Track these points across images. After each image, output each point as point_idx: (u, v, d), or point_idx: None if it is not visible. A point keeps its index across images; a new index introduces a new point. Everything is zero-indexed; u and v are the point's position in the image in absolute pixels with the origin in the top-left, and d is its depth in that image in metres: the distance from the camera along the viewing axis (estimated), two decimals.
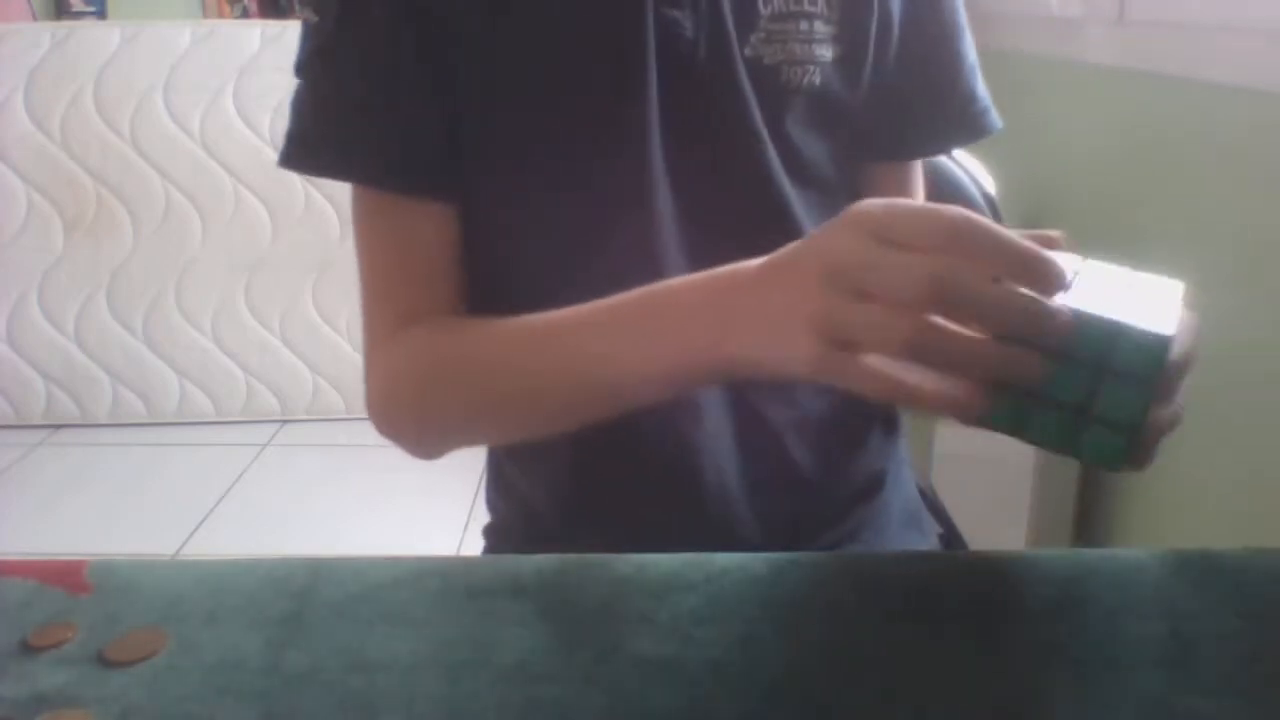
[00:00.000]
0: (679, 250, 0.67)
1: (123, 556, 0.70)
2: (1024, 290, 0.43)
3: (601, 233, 0.67)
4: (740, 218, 0.67)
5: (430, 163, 0.64)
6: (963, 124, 0.73)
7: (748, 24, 0.65)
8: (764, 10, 0.65)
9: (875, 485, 0.78)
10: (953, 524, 0.87)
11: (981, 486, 1.51)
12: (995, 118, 0.73)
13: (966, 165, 0.94)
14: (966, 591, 0.50)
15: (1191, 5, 1.34)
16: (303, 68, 0.65)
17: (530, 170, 0.67)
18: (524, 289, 0.66)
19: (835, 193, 0.70)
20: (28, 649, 0.45)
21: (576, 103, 0.65)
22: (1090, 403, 0.43)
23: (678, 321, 0.53)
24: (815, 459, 0.73)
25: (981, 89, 0.73)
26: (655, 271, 0.63)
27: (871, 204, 0.45)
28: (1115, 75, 1.44)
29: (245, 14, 3.42)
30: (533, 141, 0.66)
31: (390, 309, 0.66)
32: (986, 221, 0.43)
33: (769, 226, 0.65)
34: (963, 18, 0.71)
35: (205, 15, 3.38)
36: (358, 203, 0.67)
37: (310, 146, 0.65)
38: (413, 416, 0.66)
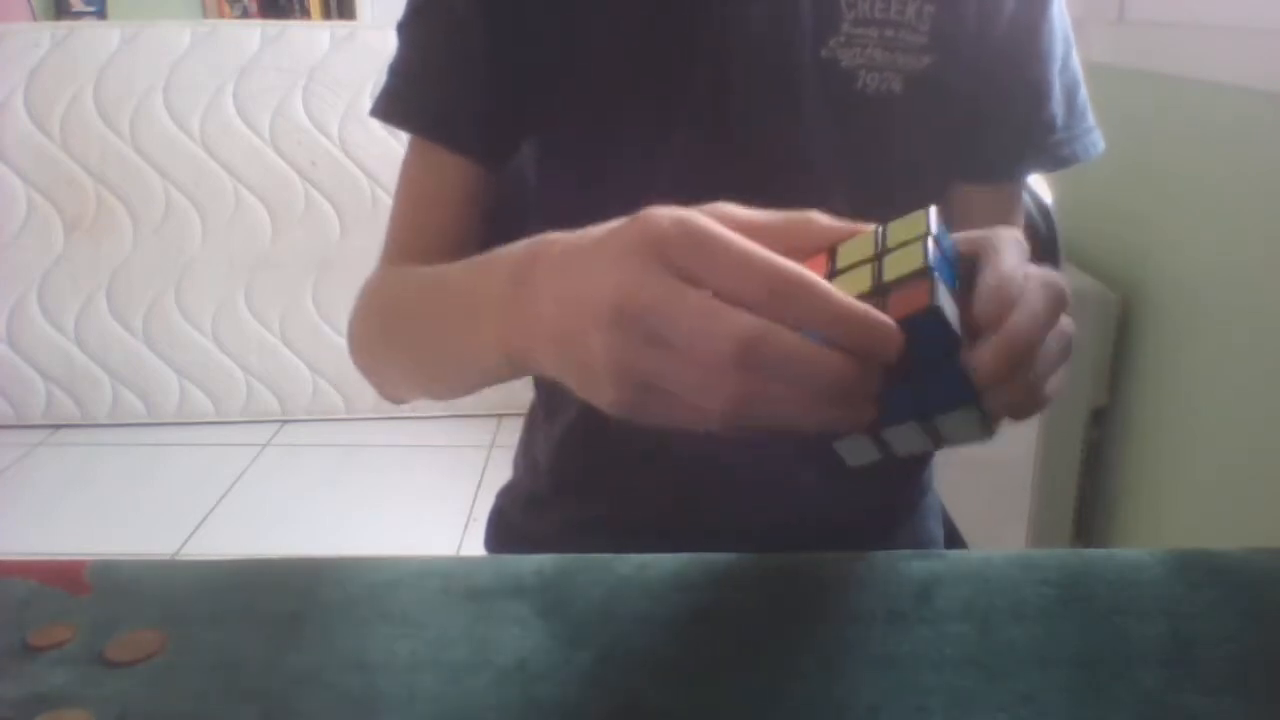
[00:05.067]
0: None
1: (123, 556, 0.70)
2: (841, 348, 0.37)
3: None
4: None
5: (475, 125, 0.69)
6: (1040, 151, 0.71)
7: (829, 26, 0.65)
8: (847, 14, 0.65)
9: (887, 519, 0.78)
10: (953, 524, 0.87)
11: (981, 486, 1.51)
12: (1083, 147, 0.72)
13: None
14: (966, 591, 0.50)
15: (1191, 5, 1.34)
16: (399, 30, 0.71)
17: (569, 163, 0.71)
18: None
19: (904, 202, 0.71)
20: (28, 649, 0.45)
21: (627, 99, 0.68)
22: (925, 402, 0.41)
23: (484, 312, 0.48)
24: (814, 476, 0.74)
25: (1069, 119, 0.71)
26: None
27: (670, 223, 0.38)
28: (1115, 75, 1.44)
29: (245, 14, 3.43)
30: (590, 131, 0.69)
31: (389, 243, 0.71)
32: (807, 277, 0.37)
33: None
34: (1056, 46, 0.70)
35: (205, 15, 3.39)
36: (407, 150, 0.72)
37: (386, 98, 0.71)
38: (352, 344, 0.70)
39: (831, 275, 0.41)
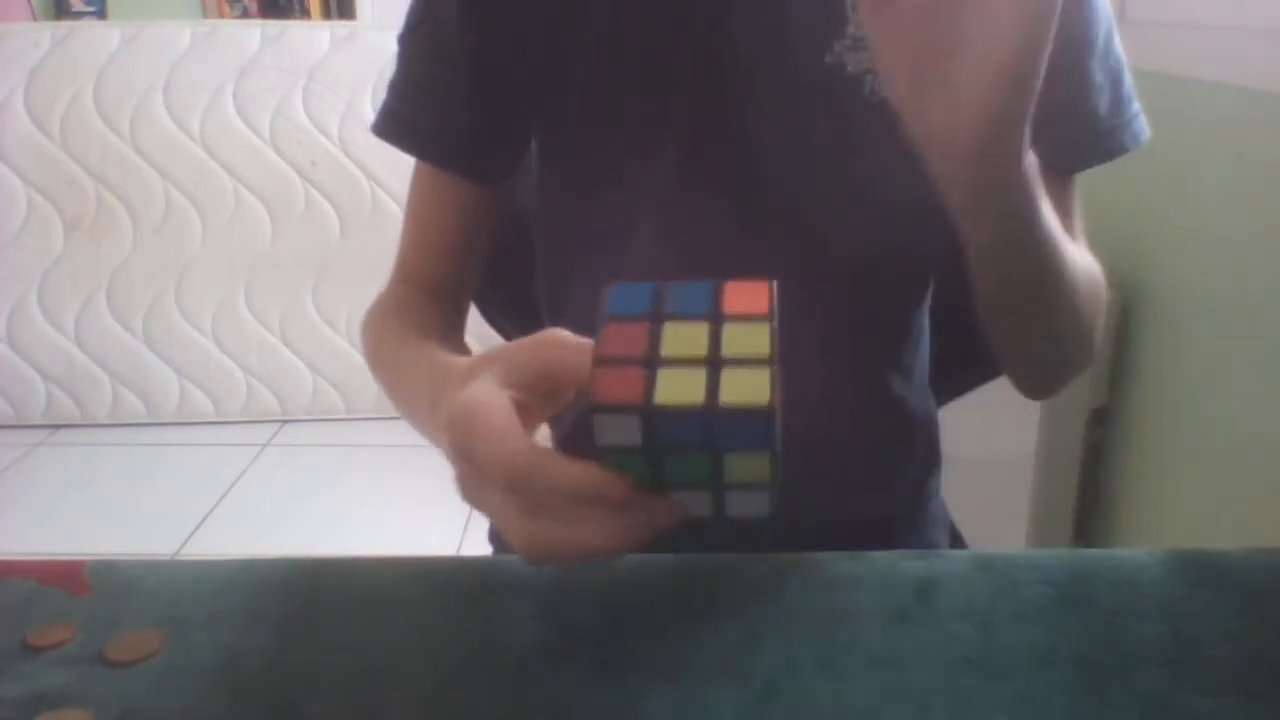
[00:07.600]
0: (701, 253, 0.68)
1: (123, 556, 0.70)
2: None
3: (623, 234, 0.69)
4: (776, 223, 0.68)
5: (465, 146, 0.69)
6: (1085, 143, 0.68)
7: (833, 30, 0.63)
8: (853, 15, 0.62)
9: (885, 526, 0.78)
10: (953, 524, 0.87)
11: (981, 486, 1.51)
12: (1130, 135, 0.68)
13: None
14: (966, 591, 0.50)
15: (1191, 5, 1.34)
16: (400, 41, 0.71)
17: (565, 167, 0.72)
18: (553, 277, 0.76)
19: (918, 207, 0.69)
20: (28, 649, 0.46)
21: (619, 106, 0.68)
22: (722, 478, 0.38)
23: (423, 419, 0.52)
24: (812, 481, 0.73)
25: (1114, 107, 0.68)
26: (676, 273, 0.66)
27: (458, 441, 0.41)
28: None
29: (245, 14, 3.43)
30: (584, 139, 0.70)
31: (399, 262, 0.74)
32: (544, 479, 0.40)
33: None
34: (1097, 34, 0.67)
35: (205, 15, 3.38)
36: (414, 166, 0.73)
37: (383, 116, 0.71)
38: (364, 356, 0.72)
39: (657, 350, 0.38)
